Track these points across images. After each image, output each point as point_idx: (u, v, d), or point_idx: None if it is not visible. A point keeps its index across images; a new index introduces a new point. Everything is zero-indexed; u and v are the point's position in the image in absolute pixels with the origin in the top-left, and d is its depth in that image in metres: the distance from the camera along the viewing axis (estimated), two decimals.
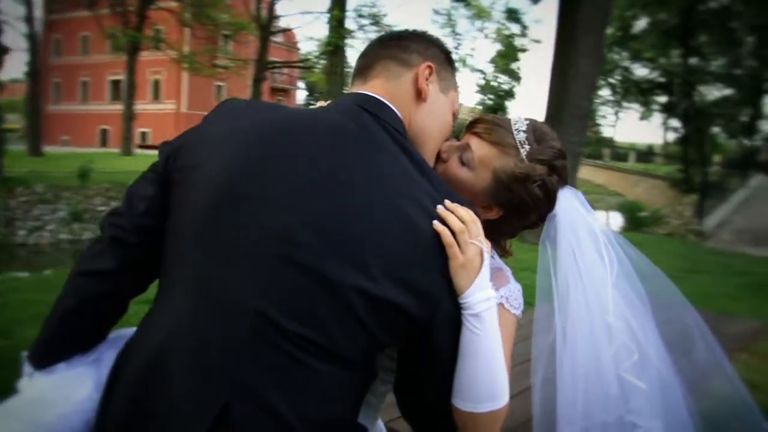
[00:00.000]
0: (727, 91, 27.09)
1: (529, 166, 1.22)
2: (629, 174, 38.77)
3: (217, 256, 1.00)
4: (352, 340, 0.97)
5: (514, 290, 1.24)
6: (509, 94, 48.37)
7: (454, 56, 1.36)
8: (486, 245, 1.06)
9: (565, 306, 1.28)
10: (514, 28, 17.11)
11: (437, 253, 1.01)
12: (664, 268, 1.35)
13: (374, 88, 1.15)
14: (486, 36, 19.28)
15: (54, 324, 1.16)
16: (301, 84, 52.72)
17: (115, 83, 40.79)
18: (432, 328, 1.02)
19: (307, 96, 58.16)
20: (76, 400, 1.13)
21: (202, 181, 1.04)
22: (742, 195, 15.99)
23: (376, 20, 24.39)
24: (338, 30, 16.53)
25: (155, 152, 1.19)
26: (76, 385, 1.14)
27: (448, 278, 1.02)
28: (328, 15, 17.15)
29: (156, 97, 41.24)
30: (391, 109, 1.12)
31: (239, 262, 0.98)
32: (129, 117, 29.38)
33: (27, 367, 1.15)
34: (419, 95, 1.16)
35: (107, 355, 1.18)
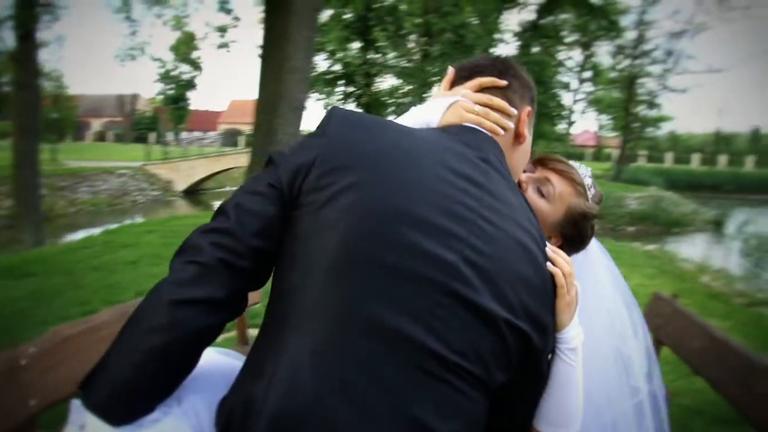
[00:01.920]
0: (397, 82, 31.02)
1: (594, 207, 1.40)
2: None
3: (370, 287, 0.94)
4: (500, 371, 1.00)
5: None
6: (190, 84, 46.89)
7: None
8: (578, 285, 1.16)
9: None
10: (225, 19, 16.46)
11: (551, 292, 1.09)
12: None
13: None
14: (165, 23, 17.98)
15: (138, 364, 0.93)
16: None
17: None
18: (541, 360, 1.08)
19: None
20: None
21: (354, 204, 0.97)
22: None
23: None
24: (28, 11, 13.46)
25: None
26: None
27: (554, 314, 1.10)
28: None
29: None
30: (502, 150, 1.17)
31: (401, 296, 0.93)
32: None
33: (79, 417, 0.91)
34: (518, 138, 1.21)
35: (189, 401, 1.02)
